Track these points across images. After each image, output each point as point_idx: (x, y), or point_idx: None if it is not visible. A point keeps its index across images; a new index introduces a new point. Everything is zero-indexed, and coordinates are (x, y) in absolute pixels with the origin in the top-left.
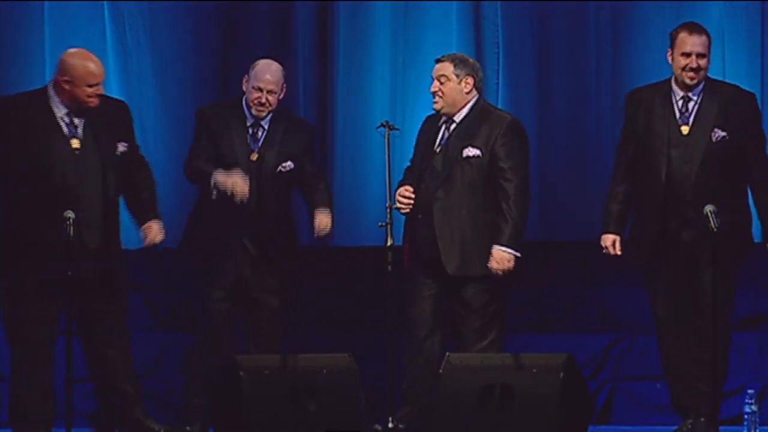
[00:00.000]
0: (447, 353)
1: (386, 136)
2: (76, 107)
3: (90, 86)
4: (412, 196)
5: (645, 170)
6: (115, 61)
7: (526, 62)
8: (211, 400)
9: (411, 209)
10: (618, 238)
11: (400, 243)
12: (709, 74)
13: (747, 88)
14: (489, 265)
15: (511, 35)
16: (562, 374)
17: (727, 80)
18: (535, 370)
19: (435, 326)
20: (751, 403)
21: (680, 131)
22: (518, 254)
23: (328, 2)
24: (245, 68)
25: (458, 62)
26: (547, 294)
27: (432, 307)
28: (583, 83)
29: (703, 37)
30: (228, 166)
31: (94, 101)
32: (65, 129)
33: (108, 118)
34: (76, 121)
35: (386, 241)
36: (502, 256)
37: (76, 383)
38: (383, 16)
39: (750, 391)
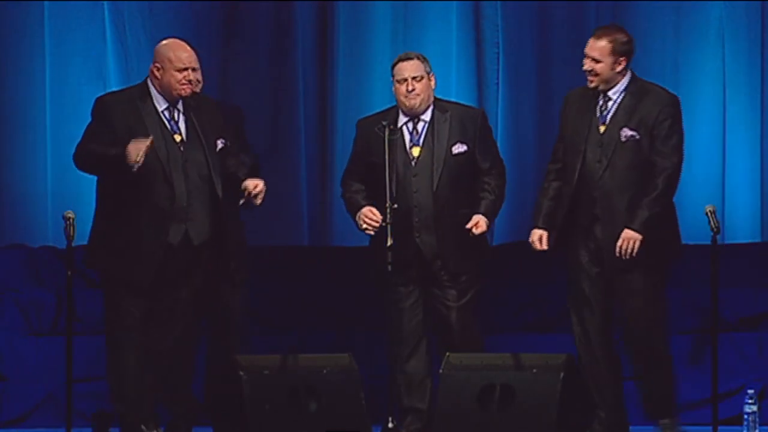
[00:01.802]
0: (447, 353)
1: (386, 136)
2: (170, 97)
3: (178, 71)
4: (379, 218)
5: (567, 168)
6: (115, 61)
7: (526, 62)
8: (211, 400)
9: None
10: (545, 234)
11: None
12: (702, 73)
13: (748, 88)
14: (470, 226)
15: (511, 35)
16: (562, 374)
17: (727, 80)
18: (535, 370)
19: (419, 339)
20: (751, 403)
21: (598, 130)
22: (489, 226)
23: (328, 2)
24: (245, 68)
25: (424, 59)
26: (547, 294)
27: (417, 317)
28: (583, 83)
29: (600, 42)
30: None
31: (186, 89)
32: (167, 124)
33: (208, 117)
34: (176, 116)
35: (386, 241)
36: (485, 223)
37: (76, 383)
38: (383, 16)
39: (750, 391)
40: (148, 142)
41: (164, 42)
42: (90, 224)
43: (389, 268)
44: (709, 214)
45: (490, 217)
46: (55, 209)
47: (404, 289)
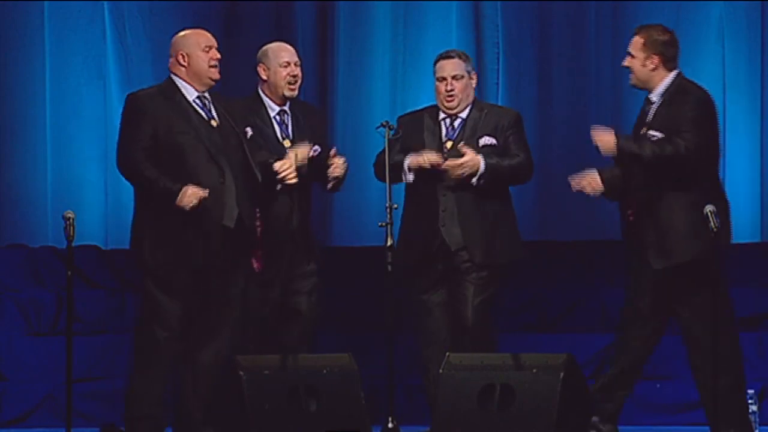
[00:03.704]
0: (447, 353)
1: (386, 136)
2: (200, 82)
3: (204, 51)
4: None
5: None
6: (115, 61)
7: (526, 62)
8: (211, 400)
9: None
10: None
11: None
12: (702, 73)
13: (748, 88)
14: (464, 155)
15: (511, 35)
16: (562, 374)
17: (727, 80)
18: (535, 370)
19: (447, 335)
20: (751, 403)
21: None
22: (482, 172)
23: (328, 2)
24: (245, 68)
25: (466, 58)
26: (547, 294)
27: (445, 316)
28: (583, 83)
29: (635, 37)
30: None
31: (215, 71)
32: (201, 111)
33: (229, 106)
34: (208, 104)
35: (386, 241)
36: (475, 160)
37: (76, 383)
38: (383, 16)
39: (750, 391)
40: (205, 193)
41: (182, 33)
42: (88, 225)
43: (389, 268)
44: (709, 214)
45: (487, 163)
46: (55, 209)
47: (431, 290)
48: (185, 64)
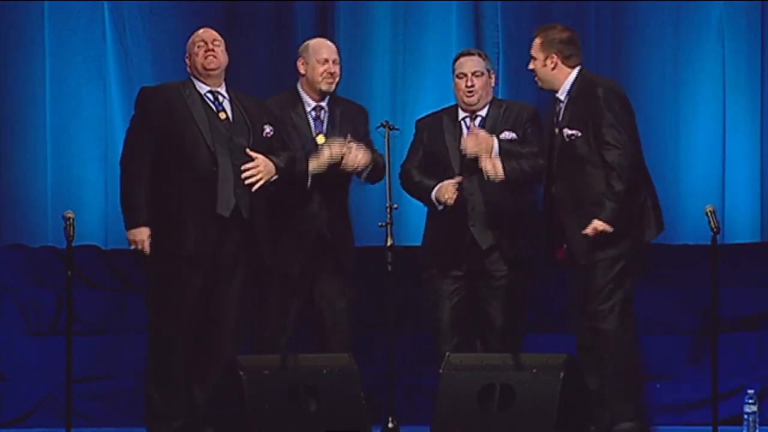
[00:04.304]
0: (447, 353)
1: (386, 136)
2: (202, 76)
3: (199, 47)
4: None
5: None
6: (115, 61)
7: (526, 62)
8: (211, 400)
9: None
10: None
11: (400, 243)
12: (702, 73)
13: (748, 88)
14: (487, 164)
15: (511, 35)
16: (562, 374)
17: (727, 80)
18: (535, 370)
19: (460, 337)
20: (751, 403)
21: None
22: (496, 152)
23: (328, 2)
24: (245, 68)
25: (485, 57)
26: (547, 294)
27: (458, 313)
28: None
29: (535, 39)
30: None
31: (210, 62)
32: (211, 104)
33: (252, 104)
34: (221, 99)
35: (386, 241)
36: (497, 165)
37: (76, 383)
38: (383, 16)
39: (750, 391)
40: (146, 246)
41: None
42: (88, 225)
43: (389, 268)
44: (709, 214)
45: (504, 156)
46: (55, 209)
47: (450, 285)
48: (189, 63)
